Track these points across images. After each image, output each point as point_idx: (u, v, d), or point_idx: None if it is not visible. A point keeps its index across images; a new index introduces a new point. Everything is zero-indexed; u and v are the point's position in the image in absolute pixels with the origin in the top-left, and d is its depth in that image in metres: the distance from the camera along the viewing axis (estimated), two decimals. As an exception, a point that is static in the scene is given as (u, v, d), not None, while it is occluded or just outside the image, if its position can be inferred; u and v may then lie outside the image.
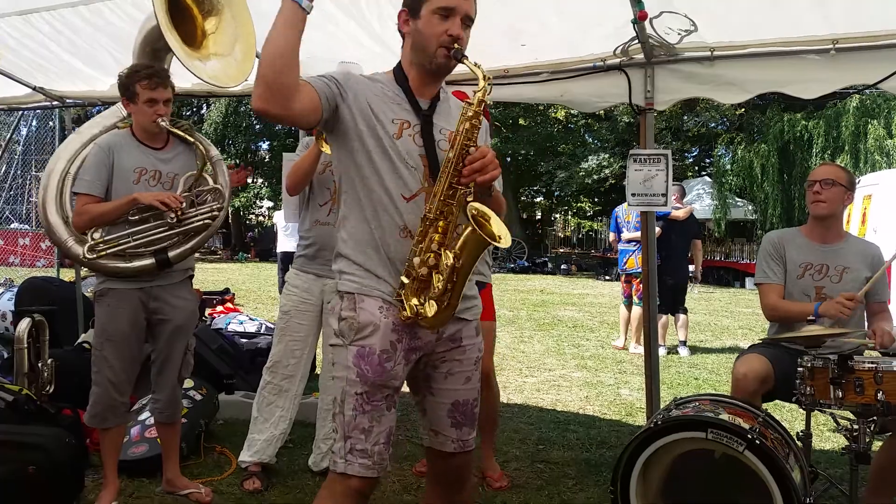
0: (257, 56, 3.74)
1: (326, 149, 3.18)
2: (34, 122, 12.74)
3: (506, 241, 1.85)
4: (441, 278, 1.84)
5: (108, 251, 2.97)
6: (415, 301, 1.88)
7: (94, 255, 2.95)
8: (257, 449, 3.41)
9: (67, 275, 7.93)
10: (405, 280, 1.90)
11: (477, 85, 1.91)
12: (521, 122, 23.57)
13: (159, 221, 3.02)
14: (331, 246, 3.45)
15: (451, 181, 1.87)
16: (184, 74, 3.20)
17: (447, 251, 1.85)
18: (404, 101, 2.00)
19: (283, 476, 3.48)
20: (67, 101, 5.27)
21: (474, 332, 2.10)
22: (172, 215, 2.99)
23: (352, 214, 1.99)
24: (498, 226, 1.88)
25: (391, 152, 1.93)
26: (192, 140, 3.15)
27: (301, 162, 3.37)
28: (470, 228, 1.83)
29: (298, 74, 1.81)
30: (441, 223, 1.87)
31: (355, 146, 1.95)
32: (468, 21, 1.96)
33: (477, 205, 1.89)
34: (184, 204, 3.03)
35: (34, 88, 5.04)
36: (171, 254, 3.03)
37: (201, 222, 3.09)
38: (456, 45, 1.90)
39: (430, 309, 1.86)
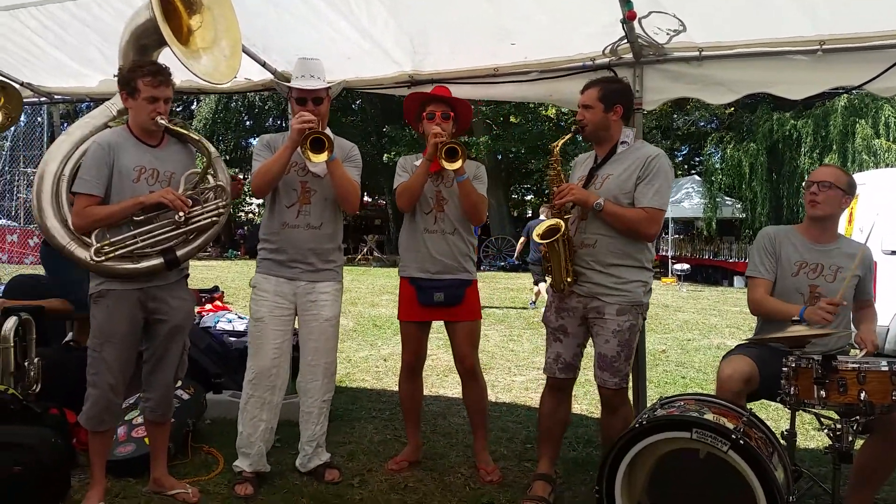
0: (244, 51, 3.76)
1: (317, 158, 3.14)
2: (22, 118, 12.66)
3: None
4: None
5: (116, 253, 2.92)
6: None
7: (102, 258, 2.90)
8: (251, 461, 3.37)
9: (55, 272, 7.85)
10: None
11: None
12: (511, 119, 23.51)
13: (165, 221, 3.00)
14: (300, 248, 3.36)
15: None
16: (172, 71, 3.18)
17: None
18: None
19: (271, 475, 3.47)
20: (56, 97, 5.25)
21: (614, 311, 3.04)
22: (181, 213, 2.96)
23: None
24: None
25: None
26: (196, 138, 3.14)
27: (270, 165, 3.26)
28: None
29: None
30: None
31: None
32: None
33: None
34: (189, 202, 3.01)
35: (22, 84, 5.00)
36: (179, 253, 3.01)
37: (208, 220, 3.08)
38: None
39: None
